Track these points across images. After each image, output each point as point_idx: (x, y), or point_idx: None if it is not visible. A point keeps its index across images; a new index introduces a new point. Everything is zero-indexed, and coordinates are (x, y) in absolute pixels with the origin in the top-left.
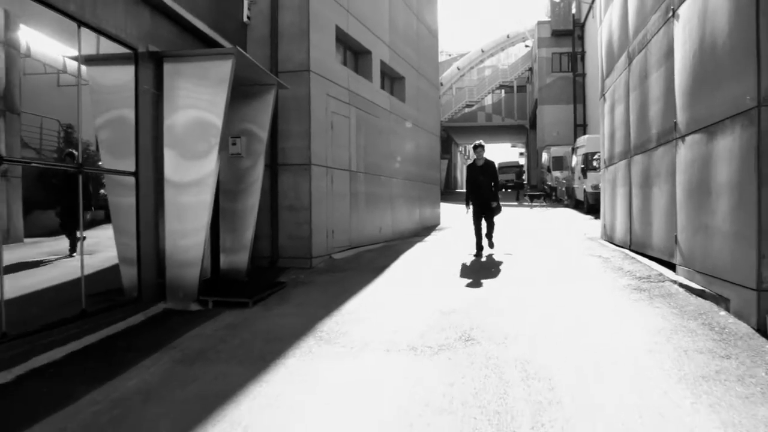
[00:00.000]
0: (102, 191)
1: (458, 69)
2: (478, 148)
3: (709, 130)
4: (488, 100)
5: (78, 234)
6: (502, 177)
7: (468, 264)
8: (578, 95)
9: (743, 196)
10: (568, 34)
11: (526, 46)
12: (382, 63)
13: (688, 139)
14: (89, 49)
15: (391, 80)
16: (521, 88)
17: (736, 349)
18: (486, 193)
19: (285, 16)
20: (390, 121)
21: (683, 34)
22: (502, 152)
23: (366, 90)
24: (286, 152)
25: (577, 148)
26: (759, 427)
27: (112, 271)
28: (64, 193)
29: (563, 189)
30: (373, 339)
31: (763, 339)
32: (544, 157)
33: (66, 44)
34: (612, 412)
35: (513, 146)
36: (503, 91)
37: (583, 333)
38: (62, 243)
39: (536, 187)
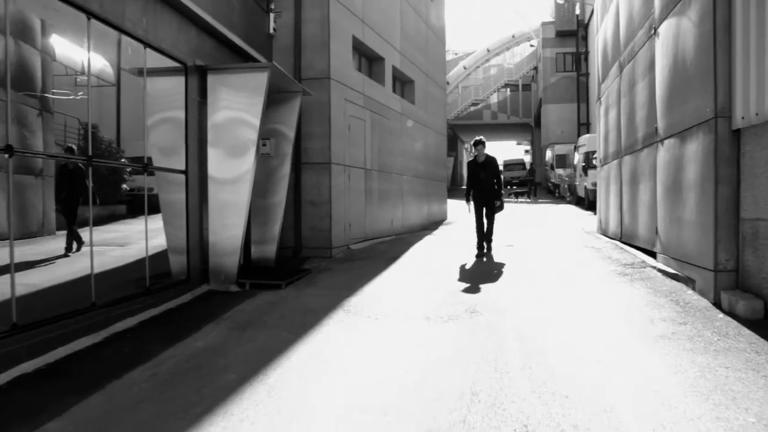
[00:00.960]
0: (124, 186)
1: (464, 68)
2: (479, 145)
3: (681, 135)
4: (494, 99)
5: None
6: (507, 174)
7: (473, 257)
8: (582, 94)
9: (705, 192)
10: (572, 34)
11: (531, 45)
12: (394, 68)
13: (666, 142)
14: (138, 62)
15: (402, 84)
16: (526, 87)
17: (692, 318)
18: (488, 189)
19: (308, 29)
20: (401, 122)
21: (662, 50)
22: (507, 150)
23: (379, 94)
24: (308, 152)
25: (579, 146)
26: (694, 369)
27: (161, 258)
28: (65, 187)
29: (566, 186)
30: (392, 312)
31: (717, 311)
32: (548, 154)
33: (114, 57)
34: (585, 358)
35: (518, 144)
36: (508, 89)
37: (570, 308)
38: (96, 235)
39: (523, 183)
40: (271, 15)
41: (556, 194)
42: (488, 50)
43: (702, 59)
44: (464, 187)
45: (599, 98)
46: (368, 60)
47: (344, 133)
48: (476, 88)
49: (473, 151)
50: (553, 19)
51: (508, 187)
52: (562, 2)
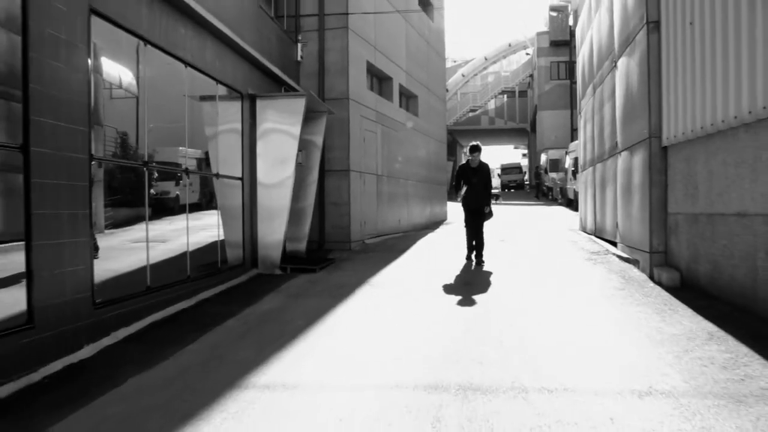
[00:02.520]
0: (152, 191)
1: (463, 75)
2: (476, 151)
3: (631, 149)
4: (491, 105)
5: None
6: (504, 178)
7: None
8: (575, 101)
9: (644, 193)
10: (565, 44)
11: (527, 54)
12: (401, 86)
13: (622, 154)
14: (204, 91)
15: (407, 98)
16: (522, 93)
17: (630, 286)
18: (478, 196)
19: (330, 57)
20: (406, 133)
21: (619, 81)
22: (505, 154)
23: (388, 109)
24: (330, 161)
25: (569, 152)
26: (620, 313)
27: (221, 247)
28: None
29: (558, 189)
30: (404, 286)
31: (650, 281)
32: (542, 158)
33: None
34: (552, 310)
35: (515, 148)
36: (505, 95)
37: (544, 283)
38: (136, 232)
39: (520, 186)
40: (299, 45)
41: (550, 197)
42: (486, 58)
43: (642, 92)
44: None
45: (580, 112)
46: (379, 80)
47: (360, 145)
48: (474, 94)
49: (470, 155)
50: (548, 29)
51: (506, 190)
52: (555, 15)
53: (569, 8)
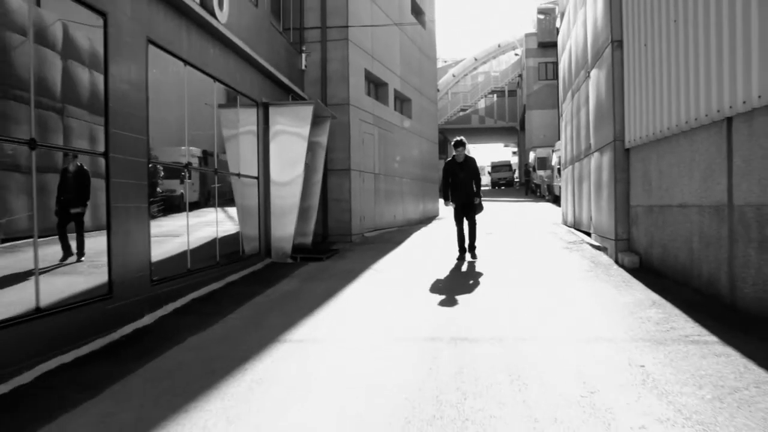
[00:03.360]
0: (158, 189)
1: (453, 76)
2: (460, 146)
3: (601, 150)
4: (481, 104)
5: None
6: (495, 176)
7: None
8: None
9: (610, 189)
10: (552, 45)
11: (516, 54)
12: (395, 91)
13: (595, 154)
14: (223, 101)
15: (401, 102)
16: (512, 93)
17: (598, 269)
18: (467, 190)
19: (331, 66)
20: (401, 134)
21: (592, 90)
22: (495, 151)
23: (384, 112)
24: (333, 161)
25: (555, 150)
26: (587, 288)
27: (237, 239)
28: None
29: (545, 186)
30: (403, 270)
31: (615, 265)
32: (531, 156)
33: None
34: (530, 286)
35: (506, 146)
36: (495, 95)
37: (524, 266)
38: (176, 221)
39: (509, 183)
40: (303, 55)
41: (538, 194)
42: (476, 59)
43: (609, 101)
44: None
45: (561, 114)
46: (375, 85)
47: (359, 146)
48: (465, 94)
49: (454, 151)
50: (536, 31)
51: (496, 187)
52: (542, 17)
53: (556, 10)
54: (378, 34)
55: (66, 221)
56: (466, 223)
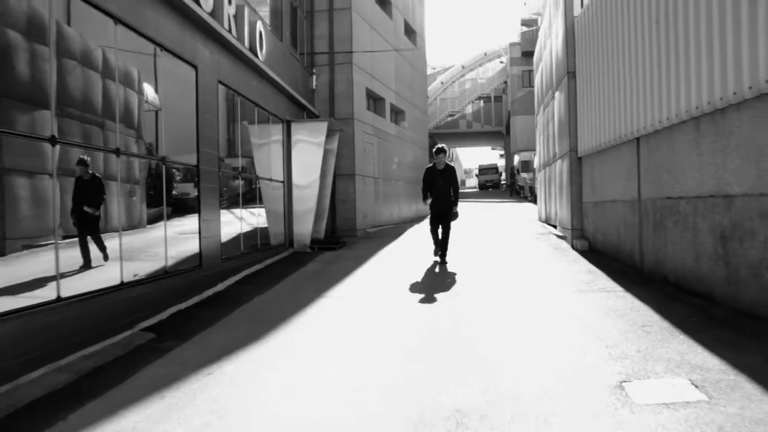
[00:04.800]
0: (174, 192)
1: (441, 83)
2: (440, 153)
3: (562, 157)
4: (469, 109)
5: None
6: (482, 178)
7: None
8: None
9: (569, 189)
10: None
11: (501, 62)
12: (391, 104)
13: (558, 161)
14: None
15: (396, 113)
16: (498, 98)
17: (557, 252)
18: (444, 198)
19: (338, 86)
20: (396, 142)
21: (556, 107)
22: (483, 154)
23: (382, 124)
24: (340, 167)
25: (536, 154)
26: (548, 262)
27: (267, 231)
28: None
29: (528, 187)
30: (401, 256)
31: (571, 249)
32: (515, 160)
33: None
34: (503, 264)
35: (493, 149)
36: (482, 101)
37: (502, 252)
38: (229, 215)
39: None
40: (314, 77)
41: (521, 195)
42: (463, 67)
43: (566, 119)
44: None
45: (537, 125)
46: (374, 100)
47: (362, 154)
48: (453, 100)
49: (435, 158)
50: (519, 41)
51: (483, 189)
52: (526, 29)
53: (539, 21)
54: (377, 56)
55: (85, 226)
56: (440, 230)
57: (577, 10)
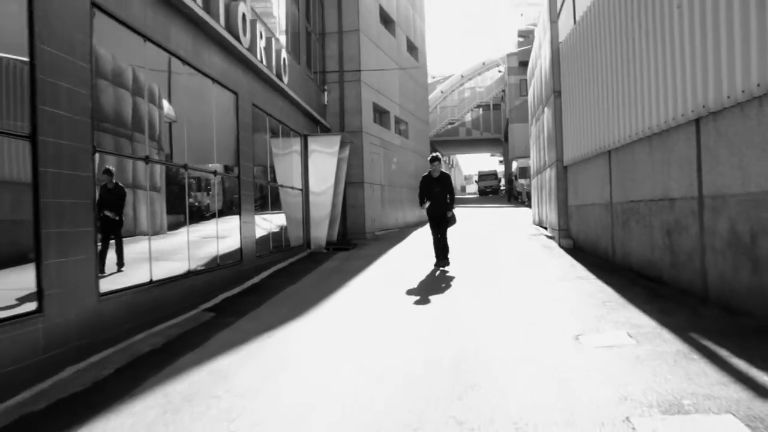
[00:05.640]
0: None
1: (441, 92)
2: (435, 161)
3: (551, 166)
4: (468, 117)
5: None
6: (481, 184)
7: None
8: None
9: (557, 194)
10: None
11: (499, 71)
12: (395, 117)
13: (548, 168)
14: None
15: (400, 125)
16: (497, 106)
17: (546, 249)
18: (441, 204)
19: (348, 101)
20: (400, 152)
21: (546, 121)
22: (483, 161)
23: (387, 135)
24: (350, 176)
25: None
26: (537, 258)
27: (286, 234)
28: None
29: (525, 193)
30: (406, 256)
31: (559, 247)
32: (513, 166)
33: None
34: (500, 258)
35: (492, 156)
36: (481, 109)
37: (499, 249)
38: (203, 228)
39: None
40: (325, 93)
41: (519, 200)
42: (462, 76)
43: (554, 132)
44: None
45: (530, 135)
46: (380, 113)
47: (370, 163)
48: (452, 108)
49: (431, 166)
50: (516, 51)
51: (483, 194)
52: (522, 39)
53: (535, 32)
54: (382, 72)
55: (108, 232)
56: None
57: (562, 36)
